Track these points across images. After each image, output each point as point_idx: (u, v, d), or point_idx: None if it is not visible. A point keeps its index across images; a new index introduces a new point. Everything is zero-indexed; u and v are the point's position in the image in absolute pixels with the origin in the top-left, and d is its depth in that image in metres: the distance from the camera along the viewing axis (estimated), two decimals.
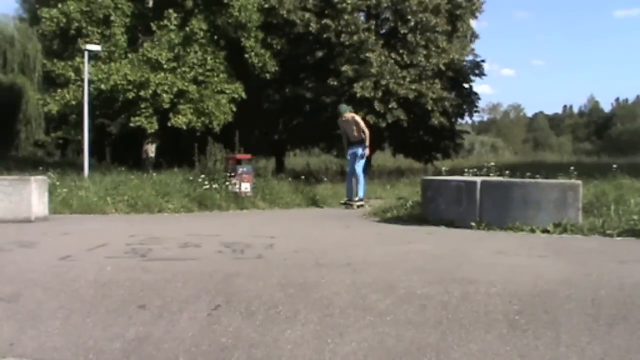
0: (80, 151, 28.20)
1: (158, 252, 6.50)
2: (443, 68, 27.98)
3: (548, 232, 8.03)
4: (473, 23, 32.02)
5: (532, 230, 8.12)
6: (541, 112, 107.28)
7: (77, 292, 5.10)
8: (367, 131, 14.27)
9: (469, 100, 31.64)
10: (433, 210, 9.39)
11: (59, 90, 25.95)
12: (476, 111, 33.48)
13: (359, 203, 13.92)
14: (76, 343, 4.43)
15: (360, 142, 14.23)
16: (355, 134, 14.25)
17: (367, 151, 14.39)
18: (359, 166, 14.19)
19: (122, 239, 7.52)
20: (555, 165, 20.69)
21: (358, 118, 14.58)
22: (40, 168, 17.06)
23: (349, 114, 14.64)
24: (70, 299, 5.00)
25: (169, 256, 6.25)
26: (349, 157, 14.57)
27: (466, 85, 31.64)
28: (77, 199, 12.48)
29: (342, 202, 14.41)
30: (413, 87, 26.91)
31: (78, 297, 5.02)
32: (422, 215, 9.73)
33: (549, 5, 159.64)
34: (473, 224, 8.62)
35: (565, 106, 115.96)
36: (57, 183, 13.35)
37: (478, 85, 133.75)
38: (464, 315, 4.38)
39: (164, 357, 4.24)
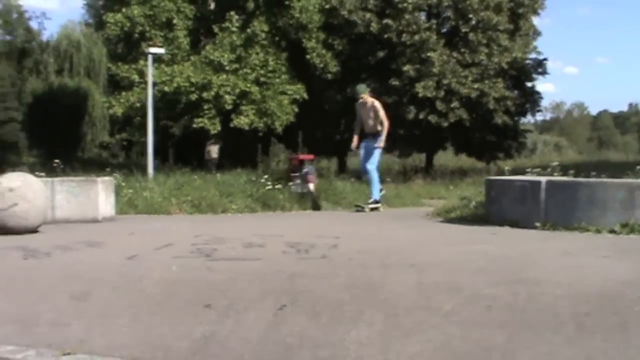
0: (144, 152, 28.64)
1: (223, 252, 6.55)
2: (505, 67, 27.76)
3: (615, 232, 7.84)
4: (535, 20, 31.67)
5: (598, 231, 7.93)
6: (605, 111, 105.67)
7: (144, 291, 5.17)
8: (386, 122, 12.54)
9: (532, 99, 31.32)
10: (497, 210, 9.29)
11: (123, 93, 26.54)
12: (539, 110, 33.24)
13: (372, 206, 12.64)
14: (144, 341, 4.48)
15: (375, 135, 12.60)
16: (372, 122, 12.63)
17: (382, 144, 12.59)
18: (372, 163, 12.67)
19: (187, 239, 7.60)
20: (620, 165, 20.29)
21: (378, 105, 12.74)
22: (108, 169, 17.36)
23: (368, 97, 12.91)
24: (137, 298, 5.08)
25: (234, 256, 6.30)
26: (361, 152, 13.05)
27: (529, 84, 31.33)
28: (142, 199, 12.66)
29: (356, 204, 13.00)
30: (475, 86, 26.75)
31: (145, 296, 5.09)
32: (485, 215, 9.64)
33: (612, 0, 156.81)
34: (537, 224, 8.48)
35: (630, 104, 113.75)
36: (123, 184, 13.57)
37: (541, 84, 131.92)
38: (531, 316, 4.33)
39: (230, 356, 4.26)
